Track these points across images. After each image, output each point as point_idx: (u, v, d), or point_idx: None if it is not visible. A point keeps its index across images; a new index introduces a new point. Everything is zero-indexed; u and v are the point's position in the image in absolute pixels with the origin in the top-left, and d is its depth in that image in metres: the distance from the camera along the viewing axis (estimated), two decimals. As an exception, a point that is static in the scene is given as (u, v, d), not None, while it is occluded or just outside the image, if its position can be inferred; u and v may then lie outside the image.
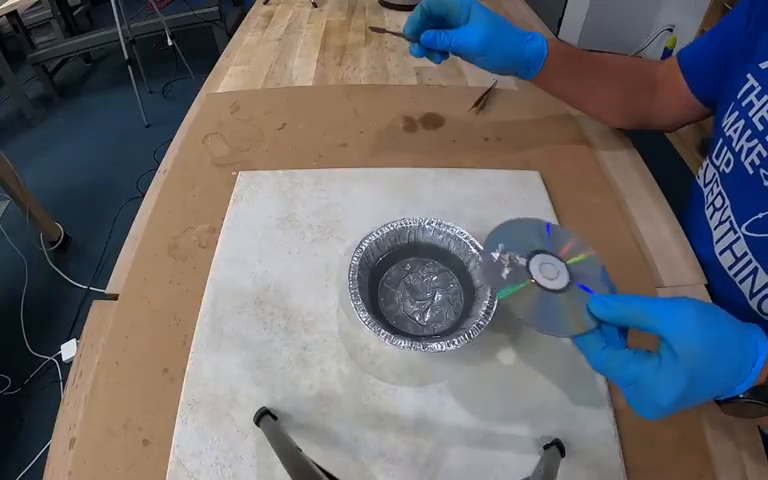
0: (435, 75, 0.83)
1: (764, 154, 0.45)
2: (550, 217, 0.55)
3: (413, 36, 0.50)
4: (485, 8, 0.50)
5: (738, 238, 0.48)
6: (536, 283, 0.37)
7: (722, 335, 0.30)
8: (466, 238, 0.48)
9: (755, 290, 0.46)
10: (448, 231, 0.49)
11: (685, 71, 0.56)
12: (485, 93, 0.76)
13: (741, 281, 0.48)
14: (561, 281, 0.37)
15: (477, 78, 0.82)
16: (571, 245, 0.39)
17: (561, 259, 0.38)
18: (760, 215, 0.45)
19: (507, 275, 0.37)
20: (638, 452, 0.38)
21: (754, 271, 0.46)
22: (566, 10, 2.66)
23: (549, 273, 0.37)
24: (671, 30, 2.34)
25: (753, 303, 0.46)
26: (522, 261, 0.38)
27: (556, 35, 1.41)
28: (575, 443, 0.38)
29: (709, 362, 0.30)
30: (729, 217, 0.49)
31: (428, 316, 0.46)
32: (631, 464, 0.37)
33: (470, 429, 0.39)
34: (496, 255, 0.39)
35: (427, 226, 0.50)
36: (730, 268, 0.49)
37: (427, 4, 0.49)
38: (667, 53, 2.31)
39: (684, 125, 0.61)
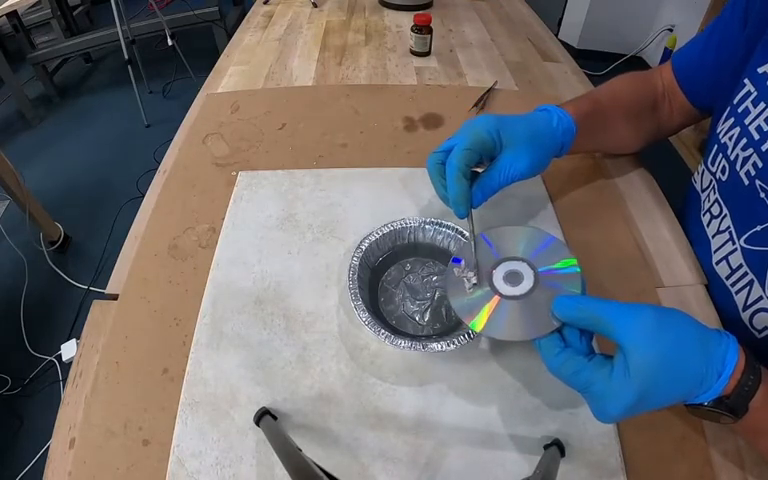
0: (435, 75, 0.83)
1: (759, 165, 0.43)
2: (550, 217, 0.55)
3: (467, 211, 0.43)
4: (513, 120, 0.45)
5: (735, 249, 0.47)
6: (496, 293, 0.37)
7: (681, 348, 0.30)
8: (466, 238, 0.48)
9: (749, 303, 0.45)
10: (448, 231, 0.49)
11: (682, 83, 0.55)
12: (485, 93, 0.76)
13: (737, 292, 0.47)
14: (524, 287, 0.37)
15: (477, 78, 0.82)
16: (553, 253, 0.39)
17: (532, 265, 0.38)
18: (758, 228, 0.44)
19: (469, 290, 0.39)
20: (638, 452, 0.38)
21: (750, 283, 0.45)
22: (566, 10, 2.66)
23: (513, 279, 0.38)
24: (671, 30, 2.34)
25: (745, 316, 0.45)
26: (474, 279, 0.39)
27: (556, 35, 1.42)
28: (575, 443, 0.38)
29: (663, 376, 0.29)
30: (729, 227, 0.48)
31: (428, 316, 0.46)
32: (631, 464, 0.37)
33: (470, 429, 0.39)
34: (456, 272, 0.40)
35: (427, 226, 0.50)
36: (727, 278, 0.48)
37: (460, 170, 0.42)
38: (667, 53, 2.31)
39: (685, 128, 0.60)
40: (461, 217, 0.44)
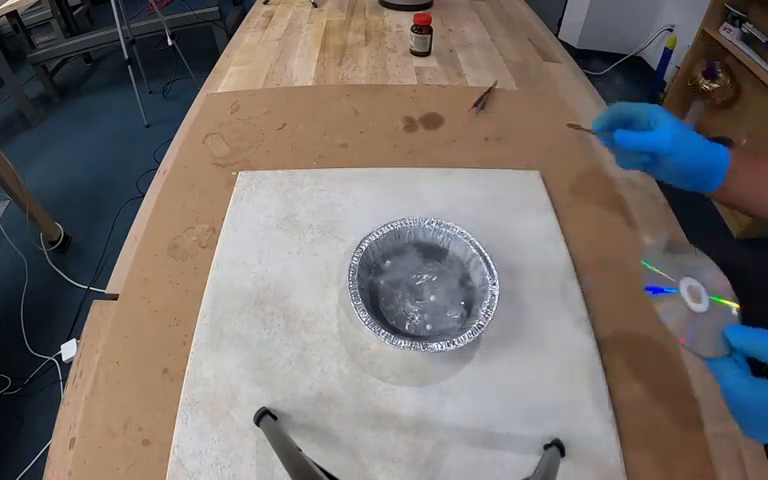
0: (435, 75, 0.83)
1: None
2: (550, 217, 0.55)
3: (601, 132, 0.49)
4: (670, 114, 0.48)
5: None
6: (684, 302, 0.38)
7: None
8: (466, 238, 0.48)
9: None
10: (448, 231, 0.49)
11: None
12: (485, 93, 0.76)
13: None
14: (703, 306, 0.39)
15: (477, 78, 0.82)
16: (721, 285, 0.40)
17: (705, 286, 0.40)
18: None
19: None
20: (638, 452, 0.38)
21: None
22: (566, 10, 2.66)
23: (695, 296, 0.39)
24: (671, 30, 2.34)
25: None
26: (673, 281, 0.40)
27: (556, 35, 1.42)
28: (575, 443, 0.38)
29: None
30: None
31: (428, 316, 0.46)
32: (631, 464, 0.37)
33: (470, 429, 0.39)
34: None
35: (427, 226, 0.50)
36: None
37: (617, 108, 0.49)
38: (667, 53, 2.31)
39: None
40: (595, 129, 0.48)
